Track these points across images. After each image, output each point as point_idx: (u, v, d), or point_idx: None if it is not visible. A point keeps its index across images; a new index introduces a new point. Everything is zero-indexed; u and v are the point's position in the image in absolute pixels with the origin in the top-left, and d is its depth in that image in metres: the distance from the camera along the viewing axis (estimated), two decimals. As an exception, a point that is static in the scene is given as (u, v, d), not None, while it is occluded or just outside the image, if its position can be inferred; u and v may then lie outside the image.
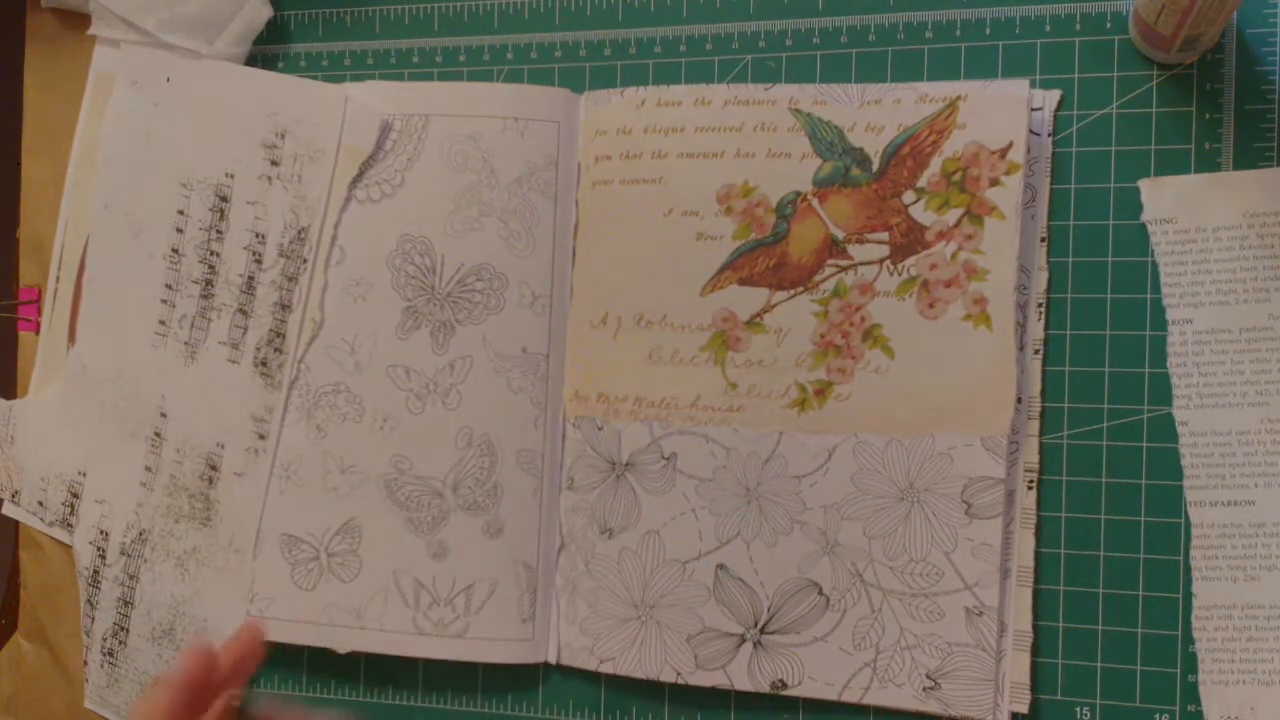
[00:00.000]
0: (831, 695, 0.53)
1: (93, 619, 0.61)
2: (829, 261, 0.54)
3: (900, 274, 0.53)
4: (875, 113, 0.53)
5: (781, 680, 0.53)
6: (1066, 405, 0.52)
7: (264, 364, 0.58)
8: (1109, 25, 0.53)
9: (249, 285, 0.58)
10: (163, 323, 0.60)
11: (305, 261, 0.58)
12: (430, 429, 0.56)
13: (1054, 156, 0.53)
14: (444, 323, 0.57)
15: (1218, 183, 0.51)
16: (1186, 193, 0.51)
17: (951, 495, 0.52)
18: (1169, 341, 0.51)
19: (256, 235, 0.58)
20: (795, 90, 0.54)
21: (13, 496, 0.63)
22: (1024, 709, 0.52)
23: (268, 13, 0.61)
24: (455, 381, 0.56)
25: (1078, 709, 0.52)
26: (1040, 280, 0.53)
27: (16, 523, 0.63)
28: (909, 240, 0.53)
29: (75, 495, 0.61)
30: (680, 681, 0.54)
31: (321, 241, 0.58)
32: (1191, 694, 0.51)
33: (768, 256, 0.54)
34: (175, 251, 0.60)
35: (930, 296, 0.52)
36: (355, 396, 0.57)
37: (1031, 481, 0.52)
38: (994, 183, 0.52)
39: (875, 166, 0.53)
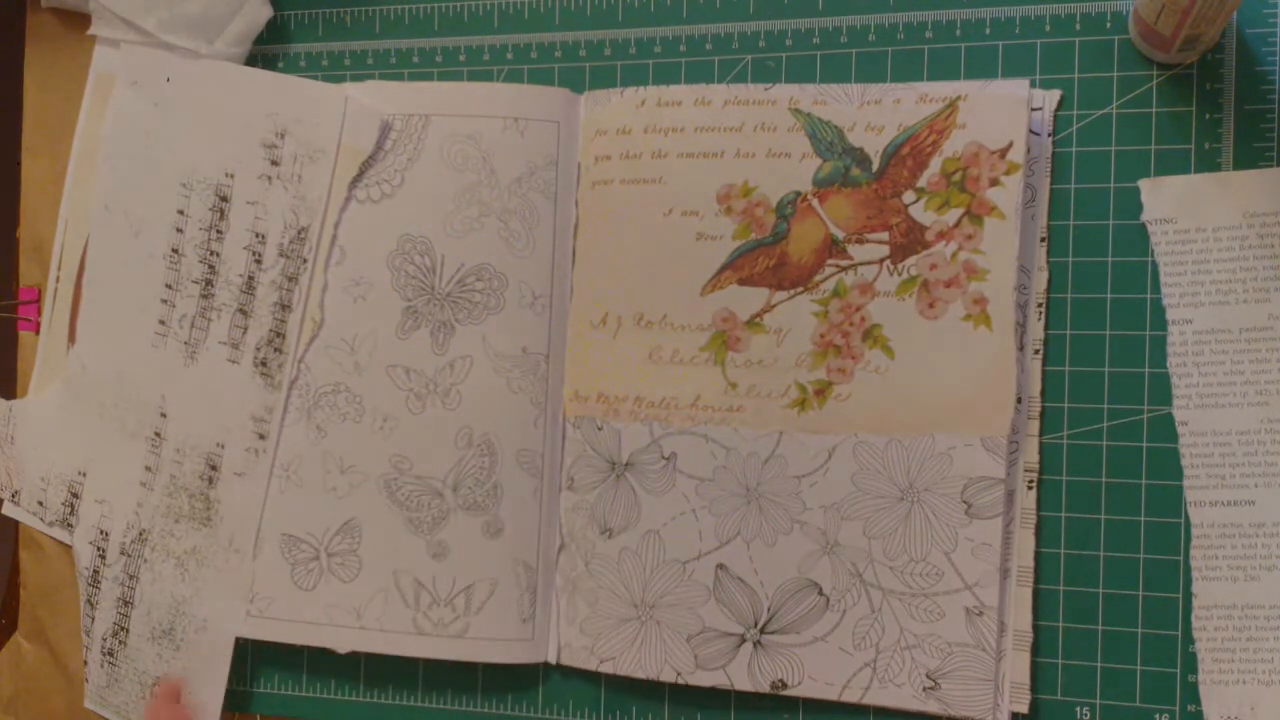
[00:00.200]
0: (831, 695, 0.53)
1: (93, 619, 0.61)
2: (829, 261, 0.54)
3: (900, 274, 0.53)
4: (875, 113, 0.53)
5: (781, 680, 0.53)
6: (1066, 405, 0.52)
7: (264, 364, 0.58)
8: (1109, 25, 0.53)
9: (249, 285, 0.58)
10: (163, 323, 0.60)
11: (305, 261, 0.58)
12: (430, 429, 0.56)
13: (1054, 156, 0.53)
14: (444, 323, 0.57)
15: (1218, 183, 0.51)
16: (1186, 193, 0.51)
17: (951, 495, 0.52)
18: (1169, 341, 0.51)
19: (256, 235, 0.58)
20: (795, 90, 0.54)
21: (13, 496, 0.63)
22: (1024, 709, 0.52)
23: (268, 13, 0.61)
24: (455, 381, 0.56)
25: (1078, 709, 0.52)
26: (1040, 280, 0.53)
27: (16, 523, 0.63)
28: (909, 240, 0.53)
29: (75, 495, 0.61)
30: (680, 681, 0.54)
31: (321, 241, 0.58)
32: (1191, 694, 0.51)
33: (768, 256, 0.54)
34: (175, 251, 0.60)
35: (930, 296, 0.52)
36: (355, 396, 0.57)
37: (1031, 481, 0.52)
38: (994, 183, 0.52)
39: (875, 166, 0.53)
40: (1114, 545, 0.52)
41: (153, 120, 0.60)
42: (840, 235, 0.53)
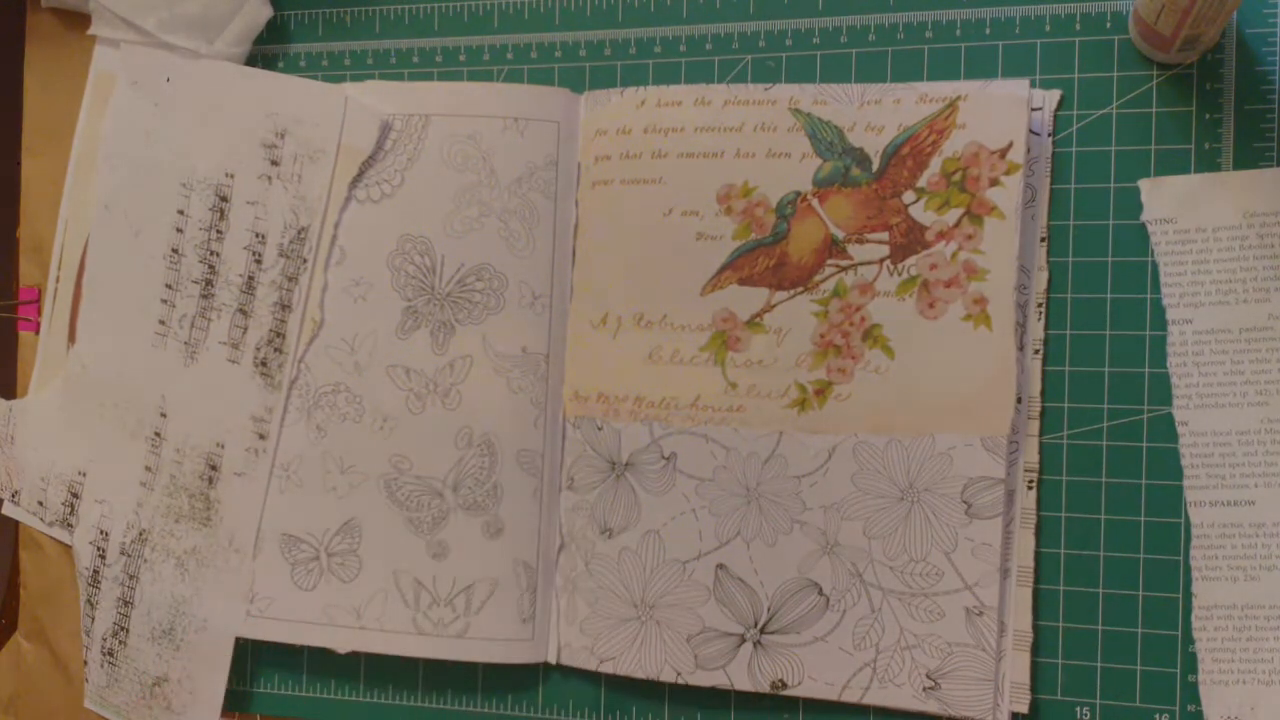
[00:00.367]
0: (831, 695, 0.53)
1: (93, 619, 0.61)
2: (829, 261, 0.54)
3: (900, 274, 0.53)
4: (875, 113, 0.53)
5: (781, 680, 0.53)
6: (1066, 405, 0.52)
7: (264, 364, 0.58)
8: (1109, 25, 0.53)
9: (249, 285, 0.58)
10: (163, 323, 0.60)
11: (305, 261, 0.58)
12: (430, 429, 0.56)
13: (1054, 156, 0.53)
14: (444, 323, 0.57)
15: (1218, 183, 0.51)
16: (1186, 193, 0.51)
17: (951, 495, 0.52)
18: (1169, 341, 0.51)
19: (256, 235, 0.58)
20: (795, 90, 0.54)
21: (13, 496, 0.63)
22: (1024, 709, 0.52)
23: (268, 13, 0.61)
24: (455, 381, 0.56)
25: (1078, 709, 0.52)
26: (1040, 280, 0.53)
27: (16, 523, 0.63)
28: (909, 240, 0.53)
29: (75, 495, 0.61)
30: (680, 681, 0.54)
31: (321, 241, 0.58)
32: (1191, 694, 0.51)
33: (768, 256, 0.54)
34: (175, 251, 0.60)
35: (930, 296, 0.52)
36: (355, 396, 0.57)
37: (1031, 481, 0.52)
38: (994, 183, 0.52)
39: (875, 166, 0.53)
40: (1114, 545, 0.52)
41: (153, 120, 0.60)
42: (840, 235, 0.53)
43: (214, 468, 0.58)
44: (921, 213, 0.53)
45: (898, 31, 0.55)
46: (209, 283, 0.59)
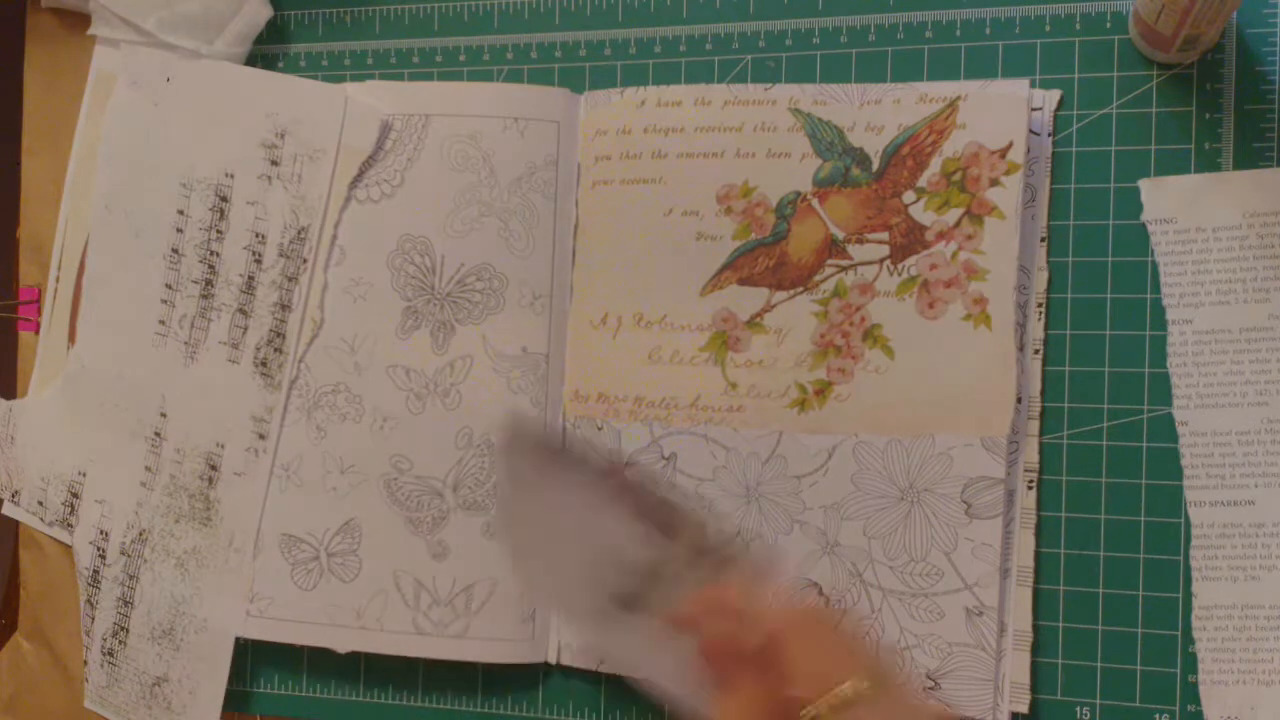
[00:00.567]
0: (831, 695, 0.53)
1: (93, 619, 0.61)
2: (829, 261, 0.54)
3: (900, 274, 0.53)
4: (875, 113, 0.53)
5: (781, 680, 0.53)
6: (1066, 405, 0.52)
7: (264, 364, 0.58)
8: (1109, 25, 0.53)
9: (249, 285, 0.58)
10: (163, 322, 0.60)
11: (305, 261, 0.58)
12: (430, 429, 0.56)
13: (1054, 156, 0.53)
14: (444, 323, 0.57)
15: (1218, 183, 0.51)
16: (1186, 193, 0.51)
17: (951, 495, 0.52)
18: (1169, 341, 0.51)
19: (256, 235, 0.58)
20: (795, 90, 0.54)
21: (13, 496, 0.63)
22: (1024, 709, 0.52)
23: (268, 13, 0.61)
24: (455, 381, 0.56)
25: (1078, 709, 0.52)
26: (1040, 280, 0.53)
27: (16, 523, 0.63)
28: (909, 240, 0.53)
29: (75, 495, 0.61)
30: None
31: (321, 241, 0.58)
32: (1191, 694, 0.51)
33: (768, 256, 0.54)
34: (175, 251, 0.60)
35: (930, 296, 0.52)
36: (355, 396, 0.57)
37: (1031, 481, 0.52)
38: (994, 183, 0.52)
39: (875, 166, 0.53)
40: (1114, 545, 0.52)
41: (153, 120, 0.60)
42: (840, 235, 0.53)
43: (214, 468, 0.58)
44: (921, 213, 0.53)
45: (898, 31, 0.55)
46: (209, 283, 0.59)
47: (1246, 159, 0.51)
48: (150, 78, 0.60)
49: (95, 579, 0.61)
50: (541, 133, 0.57)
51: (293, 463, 0.58)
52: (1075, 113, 0.53)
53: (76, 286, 0.62)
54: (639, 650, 0.50)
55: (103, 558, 0.60)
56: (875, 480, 0.53)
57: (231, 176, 0.59)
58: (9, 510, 0.63)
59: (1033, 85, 0.53)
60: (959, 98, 0.52)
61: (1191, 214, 0.51)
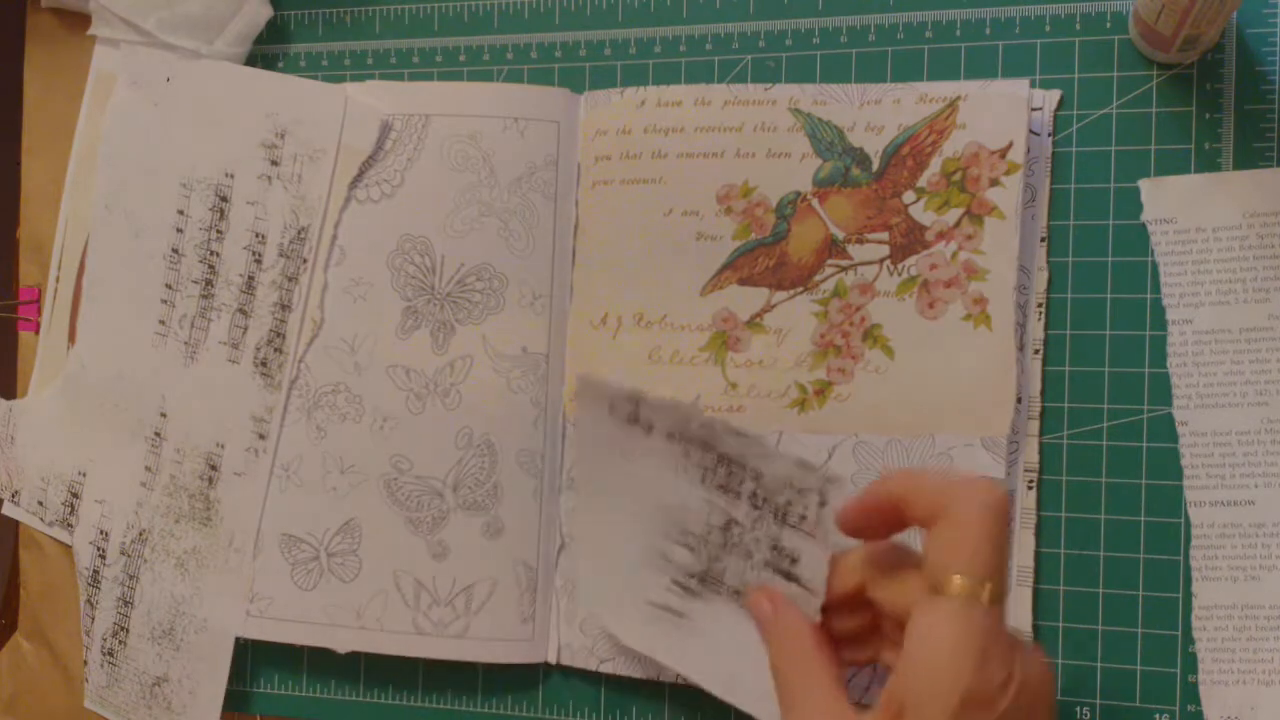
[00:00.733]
0: (831, 695, 0.53)
1: (93, 619, 0.61)
2: (829, 261, 0.54)
3: (900, 274, 0.53)
4: (875, 113, 0.53)
5: (781, 680, 0.53)
6: (1066, 405, 0.52)
7: (264, 364, 0.58)
8: (1109, 25, 0.53)
9: (249, 285, 0.58)
10: (163, 322, 0.60)
11: (305, 261, 0.58)
12: (430, 429, 0.56)
13: (1054, 156, 0.53)
14: (444, 323, 0.57)
15: (1218, 183, 0.51)
16: (1186, 193, 0.51)
17: (951, 495, 0.52)
18: (1169, 341, 0.51)
19: (256, 235, 0.58)
20: (795, 90, 0.54)
21: (13, 496, 0.63)
22: (1024, 709, 0.52)
23: (268, 13, 0.61)
24: (455, 381, 0.56)
25: (1078, 709, 0.52)
26: (1040, 280, 0.53)
27: (16, 523, 0.63)
28: (909, 240, 0.53)
29: (75, 495, 0.61)
30: (680, 682, 0.54)
31: (321, 241, 0.58)
32: (1191, 694, 0.51)
33: (768, 256, 0.54)
34: (175, 251, 0.60)
35: (930, 296, 0.52)
36: (355, 396, 0.57)
37: (1031, 481, 0.52)
38: (994, 183, 0.52)
39: (875, 166, 0.53)
40: (1114, 545, 0.52)
41: (153, 120, 0.60)
42: (840, 235, 0.53)
43: (214, 468, 0.58)
44: (921, 213, 0.53)
45: (898, 31, 0.55)
46: (209, 283, 0.59)
47: (1246, 159, 0.51)
48: (150, 78, 0.60)
49: (95, 579, 0.61)
50: (541, 133, 0.57)
51: (293, 463, 0.58)
52: (1075, 113, 0.53)
53: (76, 286, 0.62)
54: (697, 650, 0.50)
55: (103, 558, 0.60)
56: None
57: (231, 176, 0.59)
58: (9, 510, 0.63)
59: (1033, 85, 0.53)
60: (959, 98, 0.52)
61: (1191, 214, 0.51)
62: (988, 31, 0.54)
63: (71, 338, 0.62)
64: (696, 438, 0.47)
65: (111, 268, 0.60)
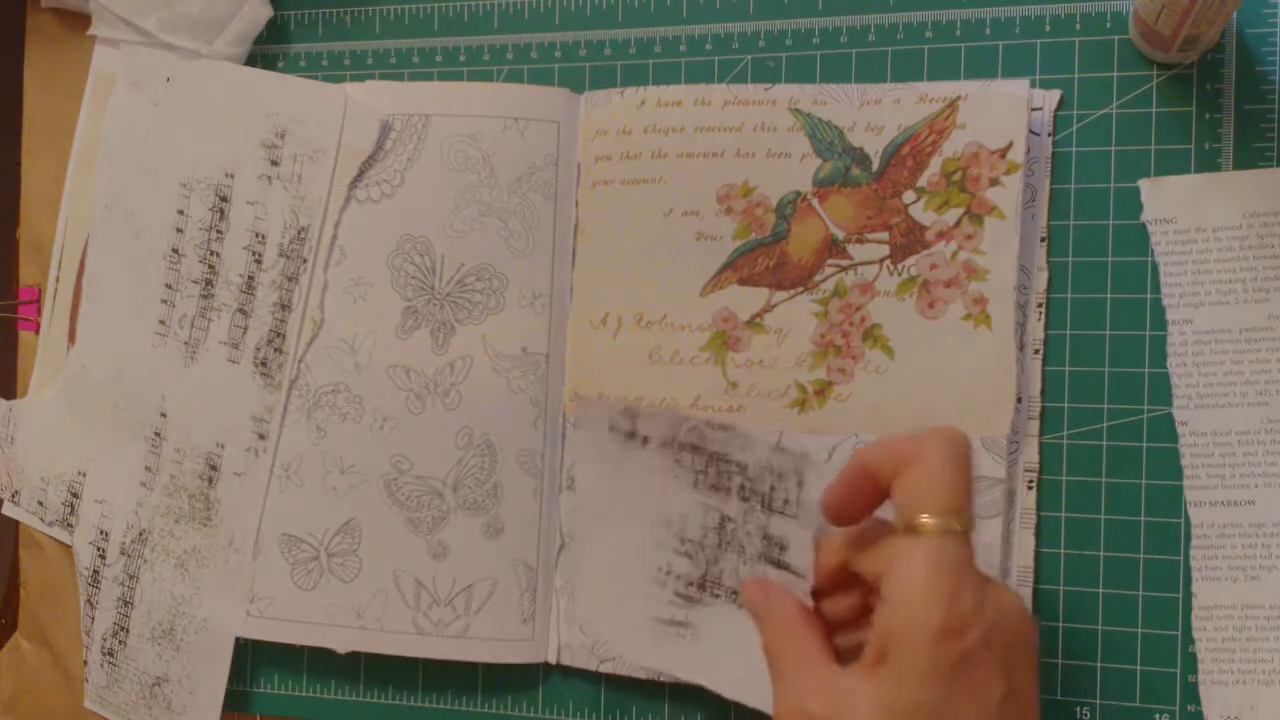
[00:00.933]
0: (831, 695, 0.53)
1: (93, 619, 0.61)
2: (829, 261, 0.54)
3: (900, 274, 0.53)
4: (875, 113, 0.53)
5: (781, 680, 0.53)
6: (1066, 405, 0.52)
7: (264, 364, 0.58)
8: (1109, 25, 0.53)
9: (249, 285, 0.58)
10: (163, 323, 0.60)
11: (305, 261, 0.58)
12: (430, 429, 0.56)
13: (1054, 156, 0.53)
14: (444, 323, 0.57)
15: (1218, 183, 0.51)
16: (1186, 193, 0.51)
17: (951, 495, 0.52)
18: (1169, 341, 0.51)
19: (256, 235, 0.58)
20: (795, 90, 0.54)
21: (13, 496, 0.63)
22: (1024, 709, 0.52)
23: (268, 13, 0.61)
24: (455, 381, 0.56)
25: (1078, 709, 0.52)
26: (1040, 280, 0.53)
27: (16, 523, 0.63)
28: (909, 240, 0.53)
29: (75, 495, 0.61)
30: (680, 681, 0.54)
31: (321, 241, 0.58)
32: (1191, 694, 0.51)
33: (768, 256, 0.54)
34: (175, 251, 0.60)
35: (930, 296, 0.52)
36: (355, 396, 0.57)
37: (1031, 481, 0.52)
38: (994, 183, 0.52)
39: (875, 166, 0.53)
40: (1114, 545, 0.52)
41: (153, 120, 0.60)
42: (840, 235, 0.53)
43: (214, 468, 0.58)
44: (921, 213, 0.53)
45: (898, 31, 0.55)
46: (209, 283, 0.59)
47: (1246, 159, 0.51)
48: (150, 78, 0.60)
49: (95, 579, 0.61)
50: (541, 133, 0.57)
51: (293, 463, 0.58)
52: (1075, 113, 0.53)
53: (76, 286, 0.62)
54: (704, 656, 0.51)
55: (103, 558, 0.60)
56: (875, 480, 0.53)
57: (231, 176, 0.59)
58: (9, 510, 0.63)
59: (1033, 85, 0.53)
60: (959, 98, 0.52)
61: (1191, 214, 0.51)
62: (988, 31, 0.54)
63: (71, 338, 0.62)
64: (687, 443, 0.48)
65: (111, 268, 0.60)
